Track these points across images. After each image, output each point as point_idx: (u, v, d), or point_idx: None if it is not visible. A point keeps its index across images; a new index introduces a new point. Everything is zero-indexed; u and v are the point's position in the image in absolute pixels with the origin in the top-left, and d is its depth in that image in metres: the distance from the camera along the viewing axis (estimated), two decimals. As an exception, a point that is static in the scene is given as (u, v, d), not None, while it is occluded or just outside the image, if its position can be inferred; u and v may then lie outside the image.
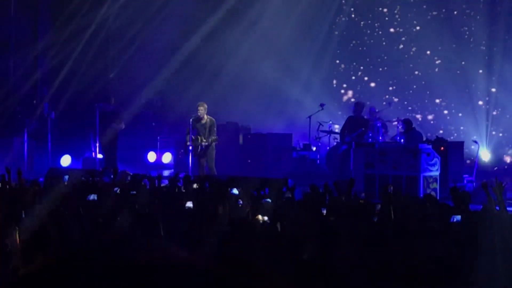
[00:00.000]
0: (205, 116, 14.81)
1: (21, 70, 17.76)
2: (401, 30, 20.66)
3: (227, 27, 19.80)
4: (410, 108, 20.43)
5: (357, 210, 6.80)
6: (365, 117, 15.17)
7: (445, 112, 20.14)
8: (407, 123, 14.94)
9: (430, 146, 13.01)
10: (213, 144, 14.79)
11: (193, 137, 14.76)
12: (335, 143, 17.15)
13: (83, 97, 17.93)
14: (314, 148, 17.53)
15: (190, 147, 14.89)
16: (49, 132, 15.97)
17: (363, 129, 14.95)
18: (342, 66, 21.51)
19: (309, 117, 17.01)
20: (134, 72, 19.19)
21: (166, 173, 16.33)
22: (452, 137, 18.74)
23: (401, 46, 20.71)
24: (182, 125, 16.26)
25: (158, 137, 19.24)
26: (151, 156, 18.88)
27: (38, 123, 16.11)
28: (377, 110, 17.54)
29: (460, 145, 14.67)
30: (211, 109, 15.21)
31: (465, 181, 13.95)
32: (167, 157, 18.82)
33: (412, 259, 5.18)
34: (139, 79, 19.43)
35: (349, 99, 21.36)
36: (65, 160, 17.28)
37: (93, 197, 8.06)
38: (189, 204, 7.62)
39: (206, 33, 19.73)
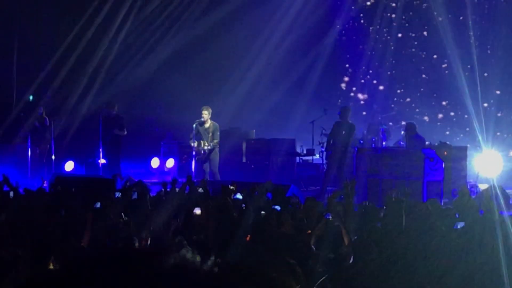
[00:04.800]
0: (209, 121, 14.79)
1: (24, 76, 17.77)
2: (413, 34, 20.82)
3: (230, 32, 19.81)
4: (417, 110, 20.71)
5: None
6: (349, 121, 14.88)
7: (452, 114, 20.35)
8: (410, 127, 14.67)
9: (433, 151, 12.90)
10: (217, 149, 14.72)
11: (196, 142, 14.72)
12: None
13: (86, 102, 17.94)
14: (317, 156, 17.42)
15: (193, 152, 14.86)
16: (52, 138, 15.93)
17: (344, 132, 14.50)
18: (350, 70, 21.63)
19: (312, 122, 16.90)
20: (137, 77, 19.17)
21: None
22: (458, 138, 18.90)
23: (413, 50, 20.88)
24: (186, 130, 16.22)
25: (162, 143, 19.20)
26: (155, 162, 18.80)
27: (39, 129, 16.08)
28: (380, 118, 17.59)
29: (463, 149, 14.55)
30: (214, 114, 15.16)
31: (468, 186, 13.79)
32: (170, 163, 18.75)
33: (415, 262, 5.14)
34: (143, 84, 19.42)
35: (358, 101, 21.48)
36: (69, 166, 17.26)
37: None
38: (197, 210, 7.49)
39: (210, 38, 19.73)
